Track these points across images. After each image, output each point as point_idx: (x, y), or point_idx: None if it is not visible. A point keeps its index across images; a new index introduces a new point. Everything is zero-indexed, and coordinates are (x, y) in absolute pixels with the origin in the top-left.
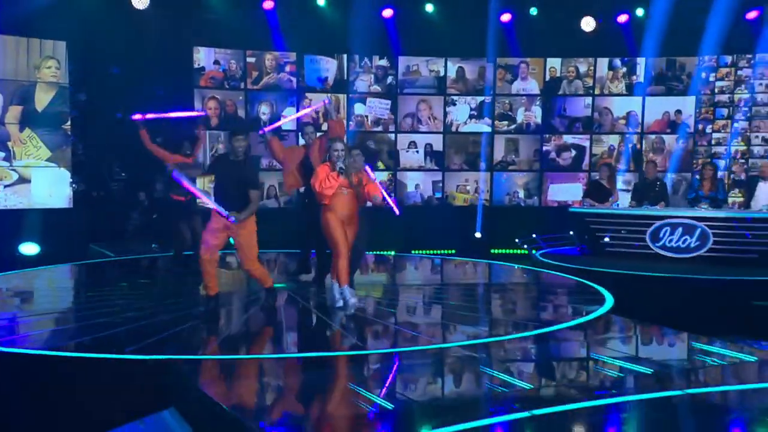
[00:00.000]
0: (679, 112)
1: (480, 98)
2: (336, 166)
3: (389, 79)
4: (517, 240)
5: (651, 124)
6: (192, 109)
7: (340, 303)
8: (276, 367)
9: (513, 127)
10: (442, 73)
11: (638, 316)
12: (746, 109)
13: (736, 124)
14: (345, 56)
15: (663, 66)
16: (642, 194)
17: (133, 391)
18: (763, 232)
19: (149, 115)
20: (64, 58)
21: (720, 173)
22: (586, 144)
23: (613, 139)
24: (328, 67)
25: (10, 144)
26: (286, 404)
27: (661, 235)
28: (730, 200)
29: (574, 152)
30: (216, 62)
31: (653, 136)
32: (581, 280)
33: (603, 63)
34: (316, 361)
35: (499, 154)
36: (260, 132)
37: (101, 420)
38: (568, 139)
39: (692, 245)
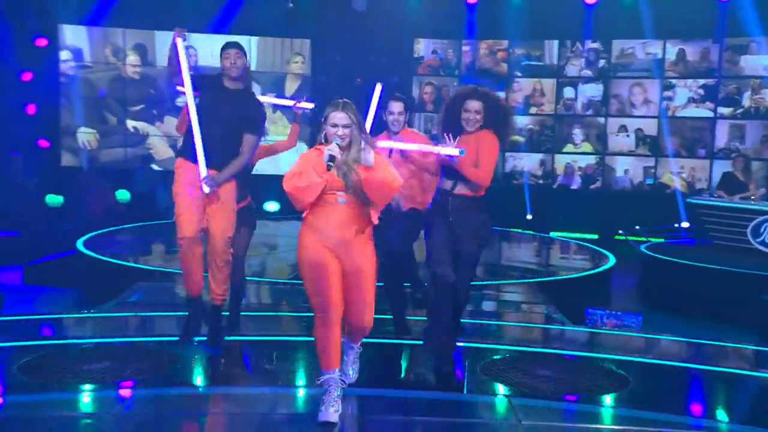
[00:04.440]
0: None
1: (702, 81)
2: (326, 155)
3: (601, 63)
4: (637, 227)
5: None
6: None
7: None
8: None
9: (739, 111)
10: (660, 56)
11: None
12: None
13: None
14: (556, 41)
15: None
16: None
17: None
18: None
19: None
20: (309, 53)
21: None
22: None
23: None
24: (536, 53)
25: (265, 123)
26: None
27: (762, 230)
28: None
29: None
30: (434, 52)
31: None
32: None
33: None
34: None
35: (721, 140)
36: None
37: None
38: None
39: None
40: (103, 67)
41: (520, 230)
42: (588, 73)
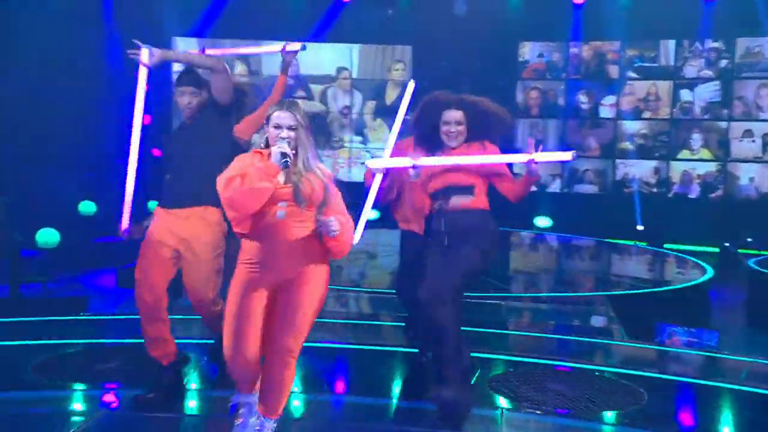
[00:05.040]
0: None
1: None
2: (277, 154)
3: (723, 63)
4: (749, 239)
5: None
6: None
7: None
8: None
9: None
10: None
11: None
12: None
13: None
14: (672, 41)
15: None
16: None
17: None
18: None
19: None
20: (410, 59)
21: None
22: None
23: None
24: (650, 54)
25: (365, 130)
26: None
27: None
28: None
29: None
30: (540, 55)
31: None
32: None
33: None
34: None
35: None
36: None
37: None
38: None
39: None
40: None
41: (630, 242)
42: (708, 73)
